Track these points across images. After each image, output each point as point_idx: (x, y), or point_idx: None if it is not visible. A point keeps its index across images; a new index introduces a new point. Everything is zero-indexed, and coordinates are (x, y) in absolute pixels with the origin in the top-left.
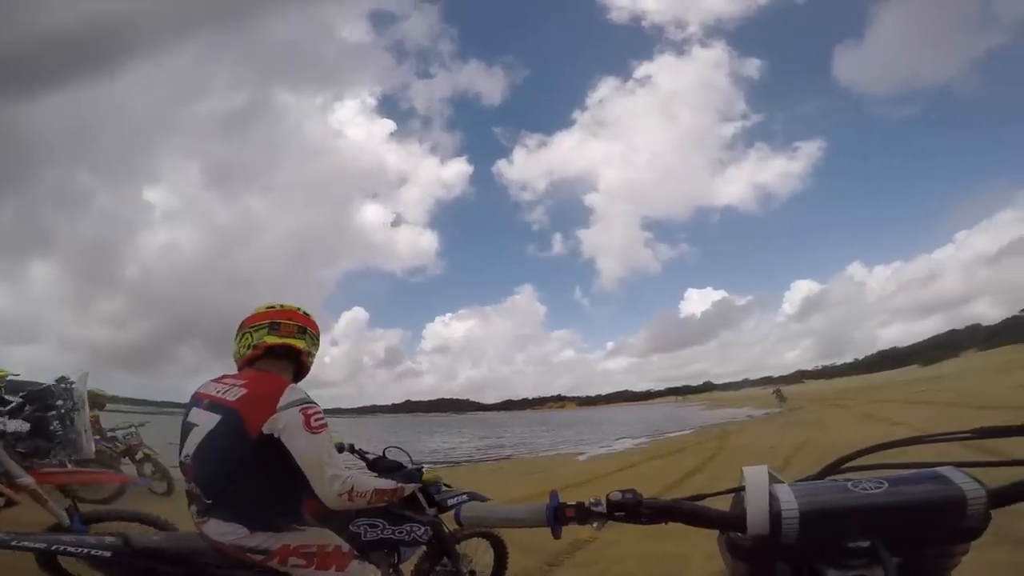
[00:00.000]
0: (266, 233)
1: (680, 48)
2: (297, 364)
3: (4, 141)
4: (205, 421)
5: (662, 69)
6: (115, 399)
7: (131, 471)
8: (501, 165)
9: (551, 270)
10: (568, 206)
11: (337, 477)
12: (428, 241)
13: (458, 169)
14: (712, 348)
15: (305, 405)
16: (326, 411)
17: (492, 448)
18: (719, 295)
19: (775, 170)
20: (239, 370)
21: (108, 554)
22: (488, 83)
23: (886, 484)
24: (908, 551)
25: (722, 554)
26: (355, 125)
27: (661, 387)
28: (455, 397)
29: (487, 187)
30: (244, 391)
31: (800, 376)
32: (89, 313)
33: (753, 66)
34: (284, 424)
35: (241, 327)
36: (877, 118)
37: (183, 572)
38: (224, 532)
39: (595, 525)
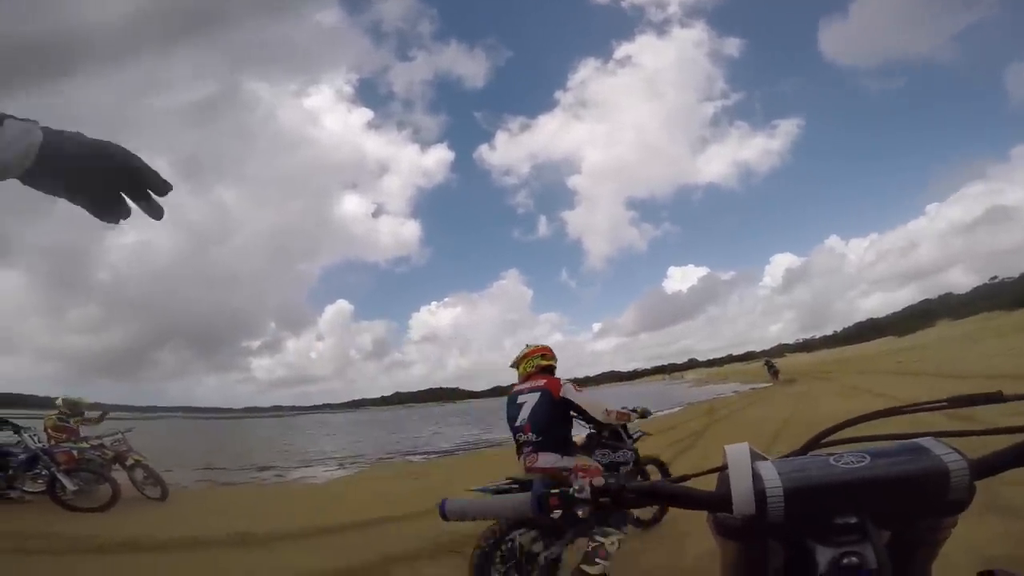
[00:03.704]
0: (244, 228)
1: (660, 28)
2: (551, 371)
3: None
4: (530, 398)
5: (643, 50)
6: (96, 406)
7: (123, 478)
8: (483, 150)
9: (537, 253)
10: (552, 189)
11: (600, 406)
12: (411, 230)
13: (439, 156)
14: (699, 324)
15: (574, 384)
16: (315, 408)
17: (487, 435)
18: (703, 271)
19: (755, 148)
20: (526, 379)
21: None
22: (470, 65)
23: (868, 457)
24: (896, 525)
25: (712, 534)
26: (332, 112)
27: (648, 366)
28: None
29: (469, 173)
30: (544, 381)
31: (782, 350)
32: (63, 321)
33: (733, 45)
34: (569, 392)
35: (525, 357)
36: (858, 92)
37: None
38: (550, 461)
39: (580, 512)
